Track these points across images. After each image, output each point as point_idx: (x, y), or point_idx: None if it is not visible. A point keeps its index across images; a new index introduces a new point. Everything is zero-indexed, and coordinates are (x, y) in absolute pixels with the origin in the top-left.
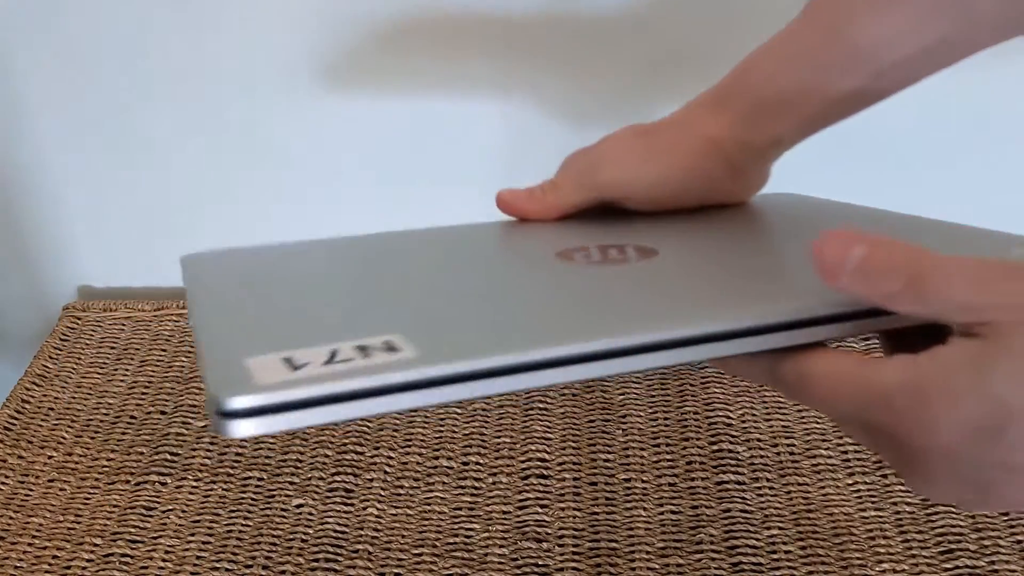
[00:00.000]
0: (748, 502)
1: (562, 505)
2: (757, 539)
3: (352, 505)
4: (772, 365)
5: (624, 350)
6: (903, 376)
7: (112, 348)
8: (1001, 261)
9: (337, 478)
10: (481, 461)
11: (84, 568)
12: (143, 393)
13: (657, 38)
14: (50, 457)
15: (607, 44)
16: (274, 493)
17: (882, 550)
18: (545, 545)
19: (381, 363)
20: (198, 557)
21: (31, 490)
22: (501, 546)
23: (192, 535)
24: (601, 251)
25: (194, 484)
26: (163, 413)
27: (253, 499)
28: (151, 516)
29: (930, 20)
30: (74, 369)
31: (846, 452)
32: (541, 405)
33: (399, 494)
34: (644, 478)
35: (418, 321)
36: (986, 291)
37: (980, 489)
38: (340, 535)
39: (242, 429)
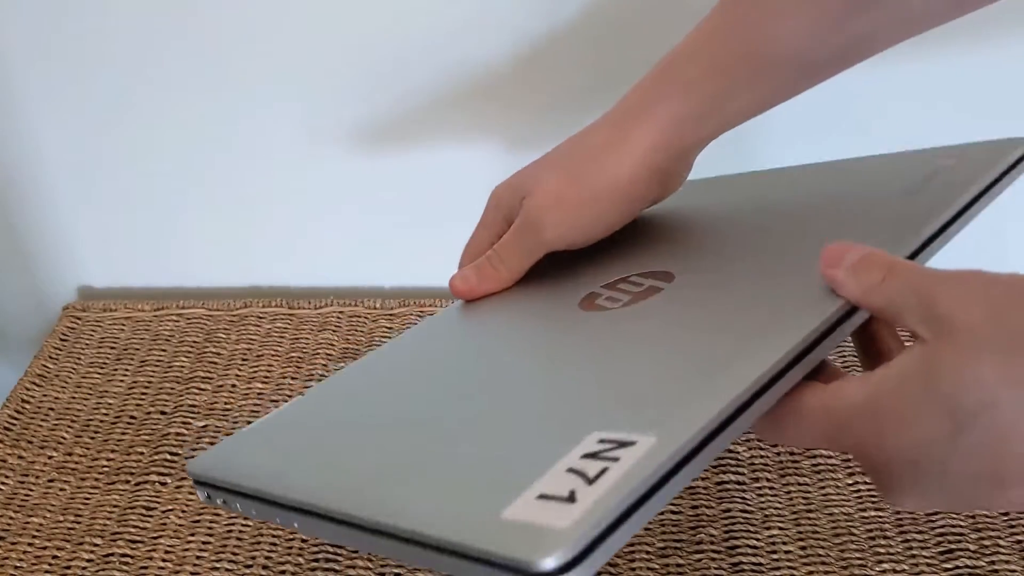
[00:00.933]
0: (748, 502)
1: None
2: (757, 539)
3: None
4: None
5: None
6: (859, 398)
7: (112, 348)
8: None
9: None
10: None
11: (84, 568)
12: (143, 393)
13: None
14: (50, 457)
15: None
16: None
17: (882, 550)
18: None
19: (640, 457)
20: (198, 557)
21: (31, 490)
22: None
23: (192, 535)
24: (615, 289)
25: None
26: (163, 413)
27: None
28: (151, 516)
29: (847, 19)
30: (74, 369)
31: (846, 452)
32: None
33: None
34: None
35: (598, 414)
36: (940, 280)
37: (952, 497)
38: None
39: None
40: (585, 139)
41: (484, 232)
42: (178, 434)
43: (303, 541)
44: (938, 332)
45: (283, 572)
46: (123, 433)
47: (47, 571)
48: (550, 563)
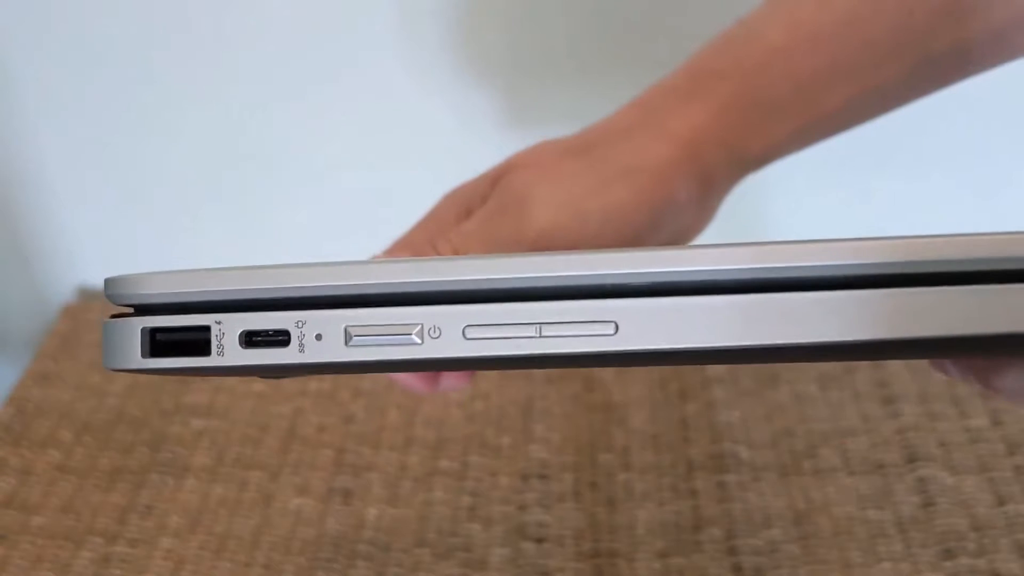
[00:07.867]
0: (749, 503)
1: (563, 506)
2: (758, 540)
3: (352, 505)
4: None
5: None
6: None
7: None
8: None
9: (337, 478)
10: (481, 462)
11: (84, 568)
12: (143, 393)
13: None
14: (50, 457)
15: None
16: (274, 493)
17: (882, 550)
18: (545, 546)
19: None
20: (198, 557)
21: (31, 490)
22: (501, 547)
23: (192, 535)
24: None
25: (194, 484)
26: (163, 413)
27: (253, 499)
28: (151, 516)
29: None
30: (74, 369)
31: (847, 452)
32: (541, 406)
33: (399, 494)
34: (645, 479)
35: None
36: None
37: None
38: (340, 535)
39: None
40: (599, 125)
41: (428, 223)
42: (178, 434)
43: (303, 541)
44: None
45: (283, 572)
46: (123, 433)
47: (47, 571)
48: None
